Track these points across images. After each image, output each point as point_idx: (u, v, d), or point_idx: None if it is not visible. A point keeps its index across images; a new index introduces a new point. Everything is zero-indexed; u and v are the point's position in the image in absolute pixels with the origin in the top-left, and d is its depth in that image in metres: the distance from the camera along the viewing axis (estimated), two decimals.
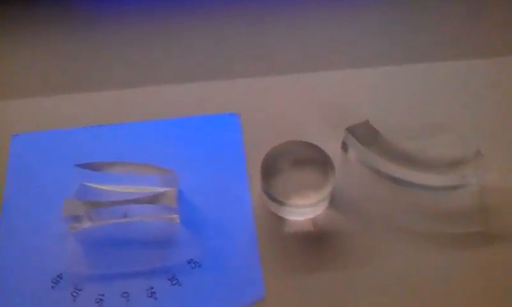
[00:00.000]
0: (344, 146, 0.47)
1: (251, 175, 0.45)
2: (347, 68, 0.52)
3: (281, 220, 0.43)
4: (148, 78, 0.51)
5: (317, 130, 0.48)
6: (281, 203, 0.43)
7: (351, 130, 0.45)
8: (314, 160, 0.44)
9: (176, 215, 0.43)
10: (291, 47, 0.54)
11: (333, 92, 0.50)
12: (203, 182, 0.45)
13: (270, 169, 0.44)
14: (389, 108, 0.49)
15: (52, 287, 0.40)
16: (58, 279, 0.41)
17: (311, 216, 0.44)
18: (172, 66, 0.52)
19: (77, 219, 0.41)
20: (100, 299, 0.40)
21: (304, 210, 0.43)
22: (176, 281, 0.41)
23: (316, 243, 0.43)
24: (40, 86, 0.51)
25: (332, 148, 0.46)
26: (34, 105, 0.49)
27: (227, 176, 0.45)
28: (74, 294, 0.40)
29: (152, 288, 0.40)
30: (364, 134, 0.45)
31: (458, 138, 0.47)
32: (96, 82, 0.51)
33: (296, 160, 0.44)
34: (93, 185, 0.44)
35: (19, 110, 0.49)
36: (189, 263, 0.41)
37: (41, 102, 0.49)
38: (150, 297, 0.40)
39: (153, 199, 0.41)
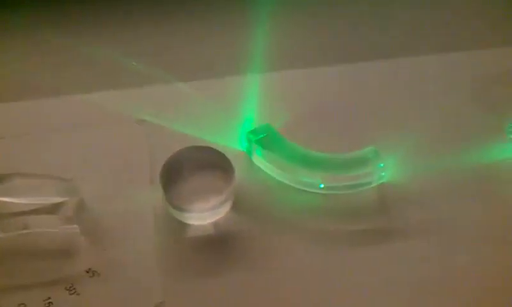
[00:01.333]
0: (248, 150, 0.47)
1: (155, 182, 0.45)
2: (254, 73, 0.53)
3: (183, 225, 0.44)
4: (46, 88, 0.51)
5: (220, 134, 0.48)
6: (181, 209, 0.43)
7: (252, 134, 0.46)
8: (215, 164, 0.45)
9: (76, 226, 0.43)
10: (195, 53, 0.54)
11: (238, 97, 0.51)
12: (106, 191, 0.45)
13: (170, 176, 0.44)
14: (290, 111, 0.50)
15: None
16: None
17: (212, 220, 0.44)
18: (72, 75, 0.52)
19: None
20: None
21: (204, 214, 0.43)
22: (74, 291, 0.40)
23: (218, 247, 0.43)
24: None
25: (236, 152, 0.46)
26: None
27: (130, 183, 0.46)
28: None
29: (49, 298, 0.40)
30: (266, 137, 0.46)
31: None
32: None
33: (196, 165, 0.45)
34: None
35: None
36: (88, 272, 0.41)
37: None
38: None
39: (52, 209, 0.41)
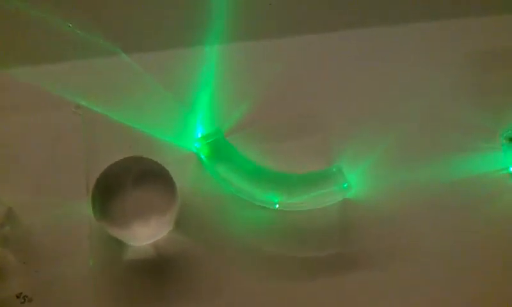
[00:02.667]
0: (198, 151, 0.42)
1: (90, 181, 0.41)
2: None
3: (121, 245, 0.40)
4: None
5: (169, 126, 0.42)
6: (118, 228, 0.39)
7: (202, 140, 0.40)
8: (156, 178, 0.39)
9: (6, 246, 0.39)
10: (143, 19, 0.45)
11: (191, 74, 0.43)
12: (36, 198, 0.41)
13: (106, 190, 0.39)
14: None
15: None
16: None
17: (152, 241, 0.40)
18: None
19: None
20: None
21: (144, 235, 0.39)
22: None
23: (158, 271, 0.40)
24: None
25: (184, 152, 0.41)
26: None
27: (64, 190, 0.41)
28: None
29: None
30: (216, 147, 0.40)
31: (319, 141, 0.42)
32: None
33: (136, 179, 0.39)
34: None
35: None
36: (18, 297, 0.39)
37: None
38: None
39: None
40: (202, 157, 0.41)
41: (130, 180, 0.39)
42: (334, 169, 0.40)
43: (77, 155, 0.42)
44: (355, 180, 0.40)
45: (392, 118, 0.43)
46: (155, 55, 0.45)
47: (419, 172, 0.41)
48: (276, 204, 0.40)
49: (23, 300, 0.39)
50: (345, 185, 0.39)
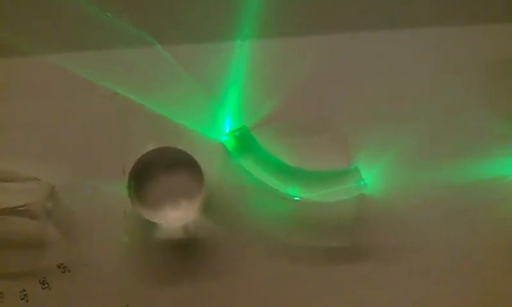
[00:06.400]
0: (226, 144, 0.45)
1: (127, 172, 0.44)
2: None
3: (153, 226, 0.44)
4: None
5: (200, 119, 0.45)
6: (151, 210, 0.42)
7: (230, 135, 0.43)
8: (186, 167, 0.43)
9: (46, 221, 0.43)
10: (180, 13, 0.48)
11: (223, 68, 0.46)
12: (76, 179, 0.44)
13: (141, 175, 0.42)
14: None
15: None
16: None
17: (182, 223, 0.44)
18: (35, 31, 0.47)
19: None
20: None
21: (175, 218, 0.43)
22: (47, 285, 0.43)
23: (186, 251, 0.43)
24: None
25: (214, 143, 0.44)
26: None
27: (102, 172, 0.45)
28: None
29: (25, 290, 0.43)
30: (242, 141, 0.43)
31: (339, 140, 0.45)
32: None
33: (168, 166, 0.43)
34: None
35: None
36: (59, 267, 0.43)
37: None
38: (22, 299, 0.43)
39: (17, 212, 0.41)
40: (229, 148, 0.44)
41: (162, 168, 0.43)
42: (352, 168, 0.42)
43: (113, 139, 0.45)
44: (371, 178, 0.43)
45: (408, 121, 0.45)
46: (188, 48, 0.47)
47: (431, 174, 0.44)
48: (296, 196, 0.43)
49: (63, 271, 0.43)
50: (361, 183, 0.42)
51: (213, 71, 0.46)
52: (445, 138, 0.45)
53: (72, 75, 0.45)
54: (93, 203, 0.44)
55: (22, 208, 0.42)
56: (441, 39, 0.48)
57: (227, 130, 0.44)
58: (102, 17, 0.47)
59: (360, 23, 0.48)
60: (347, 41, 0.48)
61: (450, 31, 0.48)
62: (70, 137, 0.45)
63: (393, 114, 0.46)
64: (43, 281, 0.43)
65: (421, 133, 0.45)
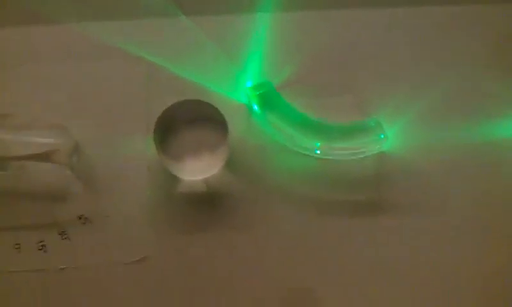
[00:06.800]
0: (247, 103, 0.46)
1: (151, 130, 0.45)
2: None
3: (175, 180, 0.44)
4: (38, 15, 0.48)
5: (221, 81, 0.47)
6: (174, 164, 0.43)
7: (253, 89, 0.44)
8: (210, 120, 0.43)
9: (70, 172, 0.43)
10: None
11: (244, 38, 0.48)
12: (101, 135, 0.45)
13: (165, 128, 0.43)
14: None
15: None
16: None
17: (205, 176, 0.44)
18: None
19: None
20: None
21: (196, 170, 0.43)
22: (66, 236, 0.42)
23: (208, 204, 0.43)
24: None
25: (235, 104, 0.45)
26: None
27: (126, 129, 0.45)
28: None
29: (43, 241, 0.42)
30: (265, 96, 0.44)
31: (356, 102, 0.46)
32: None
33: (191, 120, 0.44)
34: None
35: None
36: (80, 218, 0.42)
37: None
38: (40, 249, 0.42)
39: (45, 157, 0.42)
40: (253, 106, 0.45)
41: (185, 120, 0.44)
42: (372, 121, 0.44)
43: (138, 99, 0.46)
44: (391, 136, 0.44)
45: (428, 85, 0.47)
46: (212, 19, 0.50)
47: (450, 133, 0.45)
48: (317, 149, 0.43)
49: (84, 222, 0.42)
50: (381, 136, 0.43)
51: (235, 41, 0.48)
52: (463, 101, 0.47)
53: (101, 42, 0.47)
54: (117, 157, 0.44)
55: (48, 152, 0.42)
56: (456, 17, 0.51)
57: (250, 87, 0.45)
58: None
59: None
60: (367, 16, 0.51)
61: (464, 9, 0.51)
62: (97, 96, 0.46)
63: (413, 79, 0.48)
64: (63, 232, 0.42)
65: (440, 96, 0.46)
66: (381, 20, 0.51)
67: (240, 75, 0.47)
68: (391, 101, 0.46)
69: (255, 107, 0.45)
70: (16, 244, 0.42)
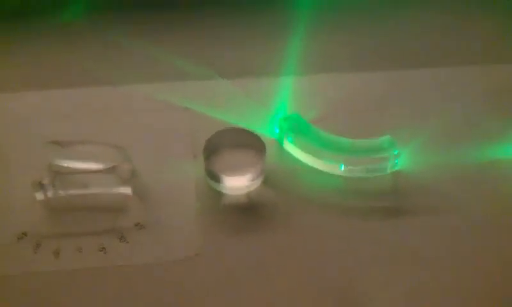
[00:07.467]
0: (278, 137, 0.54)
1: (197, 157, 0.52)
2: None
3: (220, 195, 0.50)
4: (109, 78, 0.60)
5: (254, 124, 0.55)
6: (220, 180, 0.50)
7: (283, 121, 0.53)
8: (250, 144, 0.52)
9: (129, 187, 0.49)
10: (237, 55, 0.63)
11: (272, 94, 0.58)
12: (154, 162, 0.52)
13: (211, 151, 0.51)
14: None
15: (18, 241, 0.47)
16: (23, 235, 0.47)
17: (245, 191, 0.50)
18: (131, 68, 0.61)
19: (43, 187, 0.49)
20: (57, 252, 0.46)
21: (239, 186, 0.50)
22: (124, 240, 0.47)
23: (249, 213, 0.49)
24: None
25: (268, 139, 0.54)
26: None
27: (175, 157, 0.53)
28: (35, 248, 0.46)
29: (103, 244, 0.47)
30: (295, 124, 0.53)
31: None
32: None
33: (233, 143, 0.52)
34: (59, 160, 0.51)
35: None
36: (136, 225, 0.48)
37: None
38: (100, 251, 0.46)
39: (111, 170, 0.49)
40: (284, 134, 0.53)
41: (229, 142, 0.52)
42: (386, 138, 0.51)
43: (185, 136, 0.55)
44: (406, 155, 0.52)
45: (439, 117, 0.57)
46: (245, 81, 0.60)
47: (455, 154, 0.54)
48: (341, 167, 0.51)
49: (140, 228, 0.48)
50: (396, 152, 0.51)
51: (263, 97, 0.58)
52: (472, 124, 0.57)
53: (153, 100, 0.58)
54: (169, 177, 0.51)
55: (114, 167, 0.49)
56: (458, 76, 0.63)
57: (280, 119, 0.54)
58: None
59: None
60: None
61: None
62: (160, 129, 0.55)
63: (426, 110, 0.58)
64: (121, 237, 0.47)
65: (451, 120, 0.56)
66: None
67: (270, 117, 0.56)
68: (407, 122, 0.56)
69: (286, 135, 0.53)
70: (79, 248, 0.47)
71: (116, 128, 0.55)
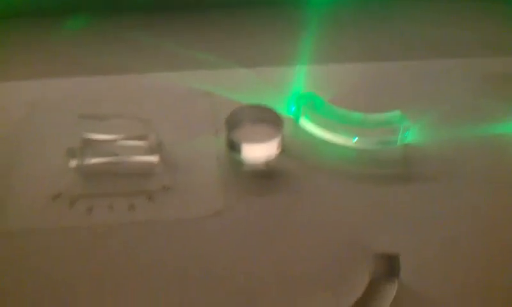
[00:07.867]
0: (295, 114, 0.58)
1: (218, 133, 0.56)
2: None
3: (241, 163, 0.54)
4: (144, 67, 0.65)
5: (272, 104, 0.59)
6: (240, 149, 0.53)
7: (300, 98, 0.57)
8: (268, 118, 0.55)
9: (157, 155, 0.53)
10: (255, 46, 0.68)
11: (289, 81, 0.63)
12: (180, 137, 0.56)
13: (233, 123, 0.55)
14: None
15: (53, 200, 0.50)
16: (58, 196, 0.51)
17: (264, 159, 0.54)
18: (162, 58, 0.66)
19: (76, 155, 0.52)
20: (90, 210, 0.50)
21: (258, 155, 0.54)
22: (152, 200, 0.50)
23: (267, 178, 0.53)
24: None
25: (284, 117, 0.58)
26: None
27: (199, 134, 0.57)
28: (69, 206, 0.50)
29: (133, 204, 0.50)
30: (311, 101, 0.57)
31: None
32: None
33: (253, 118, 0.56)
34: (91, 131, 0.55)
35: None
36: (164, 188, 0.52)
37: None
38: (129, 210, 0.50)
39: (143, 136, 0.53)
40: (298, 113, 0.57)
41: (250, 117, 0.56)
42: (397, 114, 0.55)
43: (207, 116, 0.59)
44: (415, 131, 0.56)
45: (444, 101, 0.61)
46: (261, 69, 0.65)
47: (464, 128, 0.58)
48: (354, 138, 0.54)
49: (166, 190, 0.51)
50: (405, 124, 0.54)
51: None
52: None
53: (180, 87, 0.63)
54: (193, 149, 0.55)
55: (143, 137, 0.53)
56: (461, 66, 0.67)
57: (296, 98, 0.58)
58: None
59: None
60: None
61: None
62: (175, 109, 0.59)
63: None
64: (150, 197, 0.51)
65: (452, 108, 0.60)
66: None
67: (286, 99, 0.60)
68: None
69: (303, 111, 0.57)
70: (110, 206, 0.50)
71: (143, 110, 0.59)
